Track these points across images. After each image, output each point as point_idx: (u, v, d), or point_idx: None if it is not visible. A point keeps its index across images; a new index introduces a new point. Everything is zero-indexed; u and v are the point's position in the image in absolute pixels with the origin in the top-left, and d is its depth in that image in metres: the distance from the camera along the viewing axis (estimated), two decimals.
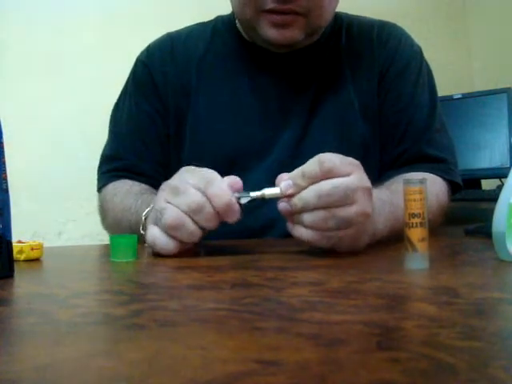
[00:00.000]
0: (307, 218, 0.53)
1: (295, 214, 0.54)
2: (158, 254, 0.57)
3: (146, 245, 0.63)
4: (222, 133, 0.82)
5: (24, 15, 1.66)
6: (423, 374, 0.21)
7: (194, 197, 0.54)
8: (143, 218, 0.64)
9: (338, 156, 0.53)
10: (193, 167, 0.59)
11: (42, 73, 1.66)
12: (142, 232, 0.63)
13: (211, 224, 0.55)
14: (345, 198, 0.52)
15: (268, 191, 0.55)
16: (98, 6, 1.73)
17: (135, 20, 1.73)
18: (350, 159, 0.54)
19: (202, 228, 0.55)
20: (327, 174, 0.52)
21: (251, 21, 0.76)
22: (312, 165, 0.53)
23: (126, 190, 0.78)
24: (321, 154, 0.53)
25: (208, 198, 0.54)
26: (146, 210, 0.64)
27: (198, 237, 0.55)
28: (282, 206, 0.54)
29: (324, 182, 0.52)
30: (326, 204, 0.52)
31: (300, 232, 0.54)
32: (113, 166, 0.85)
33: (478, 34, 2.21)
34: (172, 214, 0.54)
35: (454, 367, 0.22)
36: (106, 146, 0.88)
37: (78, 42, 1.69)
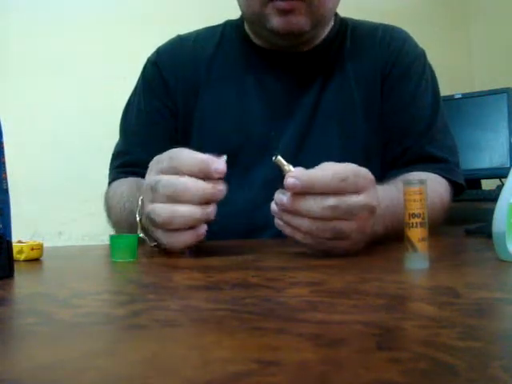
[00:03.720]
0: (304, 224, 0.52)
1: (291, 215, 0.53)
2: (169, 252, 0.57)
3: (151, 245, 0.63)
4: (228, 130, 0.83)
5: (24, 15, 1.66)
6: (423, 374, 0.21)
7: (172, 181, 0.54)
8: (138, 219, 0.63)
9: (354, 170, 0.52)
10: (156, 157, 0.59)
11: (42, 73, 1.66)
12: (140, 234, 0.63)
13: (206, 191, 0.53)
14: (347, 215, 0.51)
15: (286, 164, 0.53)
16: (99, 5, 1.73)
17: (136, 20, 1.73)
18: (365, 173, 0.53)
19: (202, 203, 0.54)
20: (339, 191, 0.51)
21: (258, 13, 0.77)
22: (325, 178, 0.51)
23: (124, 188, 0.78)
24: (337, 168, 0.52)
25: (180, 171, 0.53)
26: (137, 212, 0.63)
27: (200, 214, 0.54)
28: (278, 198, 0.53)
29: (332, 198, 0.51)
30: (328, 217, 0.51)
31: (294, 234, 0.54)
32: (121, 161, 0.86)
33: (477, 33, 2.21)
34: (158, 211, 0.54)
35: (454, 367, 0.21)
36: (116, 144, 0.90)
37: (78, 42, 1.69)
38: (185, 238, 0.55)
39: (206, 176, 0.53)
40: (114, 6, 1.74)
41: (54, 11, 1.69)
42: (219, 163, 0.53)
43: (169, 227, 0.55)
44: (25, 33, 1.65)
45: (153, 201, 0.55)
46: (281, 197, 0.53)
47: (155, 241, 0.60)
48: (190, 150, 0.55)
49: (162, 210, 0.54)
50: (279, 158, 0.53)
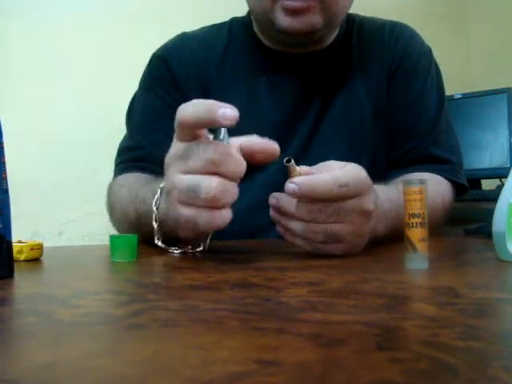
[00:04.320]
0: (298, 226, 0.53)
1: (286, 219, 0.53)
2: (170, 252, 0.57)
3: (159, 243, 0.61)
4: (238, 134, 0.82)
5: (24, 15, 1.66)
6: (423, 374, 0.21)
7: (209, 149, 0.49)
8: (154, 208, 0.59)
9: (355, 176, 0.52)
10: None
11: (42, 73, 1.66)
12: (154, 224, 0.60)
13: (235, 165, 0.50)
14: (339, 218, 0.51)
15: (297, 170, 0.52)
16: (99, 5, 1.73)
17: (135, 20, 1.74)
18: (364, 179, 0.53)
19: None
20: (339, 198, 0.51)
21: (267, 12, 0.76)
22: (326, 185, 0.50)
23: (133, 179, 0.76)
24: (338, 174, 0.51)
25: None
26: (156, 197, 0.59)
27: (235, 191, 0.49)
28: (275, 201, 0.54)
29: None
30: (316, 219, 0.51)
31: (291, 239, 0.54)
32: (128, 157, 0.83)
33: (478, 34, 2.21)
34: (211, 183, 0.47)
35: (454, 367, 0.21)
36: (122, 140, 0.87)
37: (79, 41, 1.69)
38: (227, 215, 0.50)
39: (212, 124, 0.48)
40: (113, 6, 1.75)
41: (54, 11, 1.69)
42: (226, 107, 0.48)
43: (217, 203, 0.48)
44: (25, 33, 1.65)
45: (185, 171, 0.50)
46: (272, 200, 0.54)
47: (175, 242, 0.59)
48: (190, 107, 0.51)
49: (211, 183, 0.48)
50: (292, 162, 0.53)
